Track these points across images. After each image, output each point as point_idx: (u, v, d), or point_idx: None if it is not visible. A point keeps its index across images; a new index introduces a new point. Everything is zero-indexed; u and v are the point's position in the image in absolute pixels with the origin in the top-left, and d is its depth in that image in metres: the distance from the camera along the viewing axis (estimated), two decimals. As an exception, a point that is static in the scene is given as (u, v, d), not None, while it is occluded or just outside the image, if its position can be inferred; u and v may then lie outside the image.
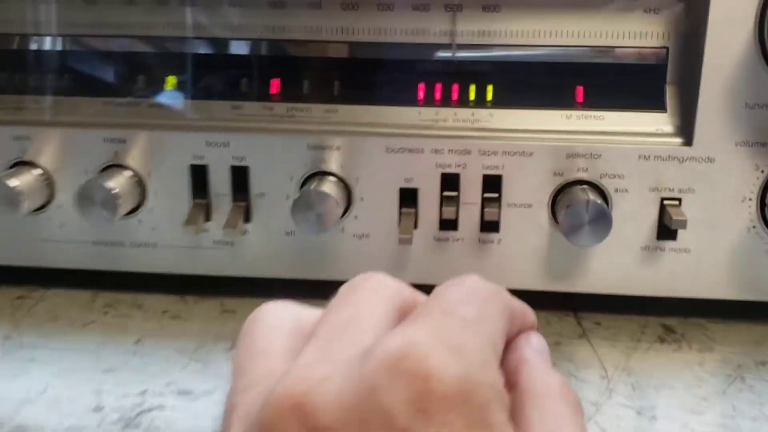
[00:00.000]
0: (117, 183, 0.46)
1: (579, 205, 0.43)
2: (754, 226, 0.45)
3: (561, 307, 0.49)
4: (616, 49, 0.46)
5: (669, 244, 0.46)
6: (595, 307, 0.49)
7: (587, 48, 0.46)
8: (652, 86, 0.46)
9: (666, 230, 0.45)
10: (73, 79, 0.49)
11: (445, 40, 0.47)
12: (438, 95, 0.47)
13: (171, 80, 0.49)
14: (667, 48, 0.45)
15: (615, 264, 0.46)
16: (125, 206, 0.46)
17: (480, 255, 0.47)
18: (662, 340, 0.46)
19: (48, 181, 0.48)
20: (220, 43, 0.48)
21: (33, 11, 0.48)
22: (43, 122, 0.48)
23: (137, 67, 0.49)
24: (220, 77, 0.48)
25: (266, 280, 0.49)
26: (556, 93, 0.47)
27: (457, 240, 0.47)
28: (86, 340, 0.46)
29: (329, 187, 0.45)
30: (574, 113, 0.46)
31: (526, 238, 0.46)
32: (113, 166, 0.47)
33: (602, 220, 0.43)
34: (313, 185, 0.45)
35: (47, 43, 0.49)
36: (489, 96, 0.47)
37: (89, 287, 0.52)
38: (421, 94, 0.47)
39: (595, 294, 0.47)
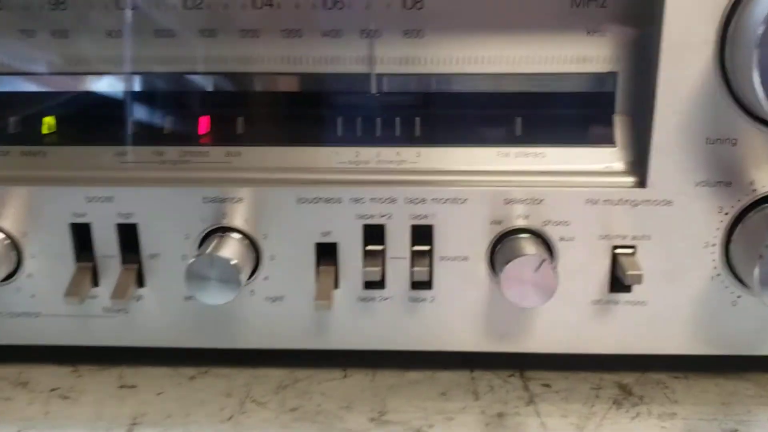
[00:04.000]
0: (-17, 249, 0.39)
1: (520, 259, 0.37)
2: (718, 274, 0.39)
3: (506, 366, 0.44)
4: (558, 76, 0.40)
5: (623, 296, 0.40)
6: (543, 365, 0.44)
7: (524, 75, 0.40)
8: (600, 117, 0.40)
9: (619, 282, 0.40)
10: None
11: (363, 69, 0.40)
12: (357, 132, 0.41)
13: (47, 122, 0.42)
14: (615, 73, 0.40)
15: (564, 320, 0.41)
16: (-4, 274, 0.40)
17: (412, 315, 0.41)
18: (619, 405, 0.41)
19: None
20: (102, 78, 0.41)
21: None
22: None
23: (5, 107, 0.42)
24: (100, 118, 0.42)
25: (168, 350, 0.43)
26: (490, 127, 0.41)
27: (385, 299, 0.41)
28: (-45, 436, 0.39)
29: (232, 247, 0.38)
30: (512, 150, 0.40)
31: (463, 295, 0.41)
32: (-20, 227, 0.40)
33: (546, 278, 0.37)
34: (211, 246, 0.38)
35: None
36: (416, 132, 0.41)
37: (-35, 361, 0.45)
38: (337, 132, 0.41)
39: (538, 353, 0.42)
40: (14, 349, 0.44)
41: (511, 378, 0.43)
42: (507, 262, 0.37)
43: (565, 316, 0.41)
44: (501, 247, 0.39)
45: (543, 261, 0.37)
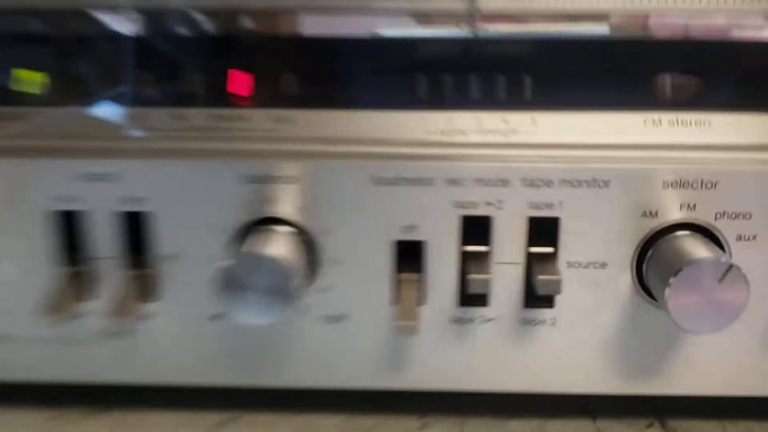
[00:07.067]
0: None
1: (698, 265, 0.26)
2: None
3: (639, 414, 0.33)
4: (724, 19, 0.30)
5: (819, 320, 0.30)
6: (688, 412, 0.33)
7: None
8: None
9: (814, 300, 0.29)
10: None
11: (460, 8, 0.30)
12: (451, 93, 0.30)
13: (26, 77, 0.31)
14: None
15: (727, 355, 0.30)
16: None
17: (522, 344, 0.30)
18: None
19: None
20: (102, 16, 0.31)
21: None
22: None
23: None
24: (96, 70, 0.31)
25: (180, 390, 0.32)
26: (634, 86, 0.30)
27: (488, 321, 0.30)
28: None
29: (281, 244, 0.28)
30: (664, 117, 0.30)
31: (596, 316, 0.30)
32: (-71, 216, 0.29)
33: (733, 292, 0.26)
34: (254, 244, 0.27)
35: None
36: (528, 92, 0.30)
37: None
38: (424, 92, 0.30)
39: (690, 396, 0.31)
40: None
41: (650, 429, 0.32)
42: (677, 270, 0.26)
43: (730, 348, 0.30)
44: (655, 250, 0.28)
45: (730, 267, 0.26)
